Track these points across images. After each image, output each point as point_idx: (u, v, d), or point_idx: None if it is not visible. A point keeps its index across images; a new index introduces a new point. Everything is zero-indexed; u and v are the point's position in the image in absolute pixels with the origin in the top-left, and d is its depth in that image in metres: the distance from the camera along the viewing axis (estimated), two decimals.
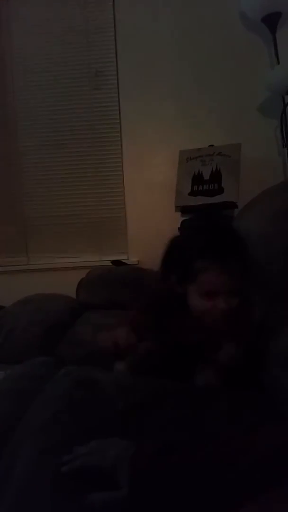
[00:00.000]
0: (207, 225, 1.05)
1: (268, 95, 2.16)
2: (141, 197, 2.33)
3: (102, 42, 2.40)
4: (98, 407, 0.77)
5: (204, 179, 2.04)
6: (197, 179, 2.06)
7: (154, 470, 0.57)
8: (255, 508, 0.43)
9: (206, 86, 2.26)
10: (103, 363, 1.02)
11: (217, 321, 0.94)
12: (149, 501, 0.56)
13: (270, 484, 0.51)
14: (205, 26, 2.24)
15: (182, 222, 1.77)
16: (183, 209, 2.12)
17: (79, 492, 0.58)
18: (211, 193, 1.99)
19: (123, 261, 2.31)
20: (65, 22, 2.41)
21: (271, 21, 2.06)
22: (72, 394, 0.83)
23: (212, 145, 2.11)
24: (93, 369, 0.96)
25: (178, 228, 1.57)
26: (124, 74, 2.34)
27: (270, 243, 1.12)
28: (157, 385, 0.89)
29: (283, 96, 2.11)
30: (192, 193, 2.08)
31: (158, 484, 0.56)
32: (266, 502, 0.44)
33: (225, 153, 2.04)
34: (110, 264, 2.28)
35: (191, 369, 1.00)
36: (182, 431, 0.70)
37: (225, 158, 2.04)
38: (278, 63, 2.09)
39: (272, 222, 1.18)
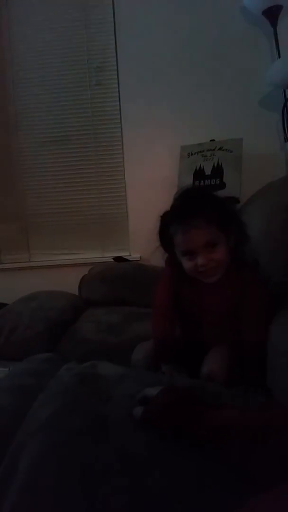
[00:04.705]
0: (179, 195, 1.13)
1: (269, 89, 2.15)
2: (143, 193, 2.32)
3: (102, 37, 2.38)
4: (101, 403, 0.77)
5: (205, 174, 2.03)
6: (199, 174, 2.05)
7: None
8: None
9: (207, 80, 2.25)
10: (106, 359, 1.02)
11: (208, 274, 1.05)
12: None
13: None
14: (205, 20, 2.22)
15: None
16: None
17: (82, 486, 0.58)
18: (213, 188, 1.98)
19: (125, 257, 2.31)
20: (65, 17, 2.40)
21: (272, 14, 2.04)
22: (75, 390, 0.83)
23: (214, 140, 2.10)
24: (96, 364, 0.96)
25: None
26: (125, 69, 2.33)
27: (274, 236, 1.12)
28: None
29: (284, 90, 2.10)
30: None
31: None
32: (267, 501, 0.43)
33: (227, 148, 2.03)
34: (112, 260, 2.27)
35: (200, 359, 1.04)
36: None
37: (227, 153, 2.03)
38: (279, 56, 2.08)
39: (274, 217, 1.17)
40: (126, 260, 2.29)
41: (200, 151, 2.10)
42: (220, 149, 2.05)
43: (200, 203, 1.06)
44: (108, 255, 2.39)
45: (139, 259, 2.36)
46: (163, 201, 1.14)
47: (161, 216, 1.11)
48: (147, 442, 0.65)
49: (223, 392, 0.85)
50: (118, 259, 2.27)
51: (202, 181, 2.03)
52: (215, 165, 2.02)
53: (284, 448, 0.52)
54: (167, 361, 1.09)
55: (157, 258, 1.24)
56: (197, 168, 2.06)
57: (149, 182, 2.32)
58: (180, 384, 0.90)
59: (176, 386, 0.82)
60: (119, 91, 2.36)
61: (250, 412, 0.62)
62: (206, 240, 1.01)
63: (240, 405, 0.74)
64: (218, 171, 2.01)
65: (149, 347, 1.17)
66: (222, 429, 0.59)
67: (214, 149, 2.06)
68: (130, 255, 2.39)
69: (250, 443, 0.55)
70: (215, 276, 1.06)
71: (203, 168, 2.05)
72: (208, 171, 2.03)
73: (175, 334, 1.17)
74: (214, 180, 2.00)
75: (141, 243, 2.33)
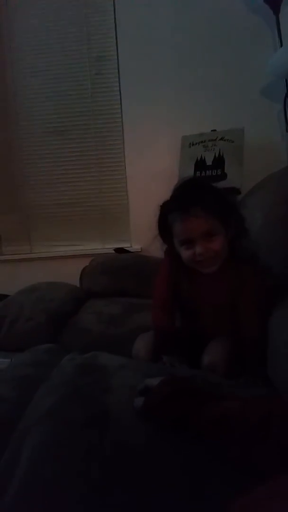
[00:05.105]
0: (179, 186, 1.13)
1: (271, 78, 2.12)
2: (144, 184, 2.31)
3: (102, 27, 2.36)
4: (102, 393, 0.78)
5: (206, 164, 2.02)
6: (200, 165, 2.04)
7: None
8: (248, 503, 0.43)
9: (208, 70, 2.23)
10: (107, 350, 1.03)
11: (206, 264, 1.04)
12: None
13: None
14: (206, 9, 2.19)
15: None
16: None
17: (83, 477, 0.59)
18: (214, 179, 1.97)
19: (126, 248, 2.31)
20: (65, 7, 2.37)
21: (274, 2, 2.01)
22: (77, 380, 0.84)
23: (215, 130, 2.08)
24: (97, 355, 0.97)
25: None
26: (125, 59, 2.30)
27: (274, 228, 1.12)
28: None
29: (286, 79, 2.07)
30: None
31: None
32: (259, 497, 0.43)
33: (228, 138, 2.01)
34: (113, 252, 2.27)
35: (201, 350, 1.05)
36: None
37: (228, 143, 2.01)
38: (281, 45, 2.05)
39: (276, 208, 1.17)
40: (127, 251, 2.28)
41: (201, 141, 2.08)
42: (221, 139, 2.03)
43: (199, 192, 1.06)
44: (109, 247, 2.39)
45: (140, 250, 2.36)
46: (164, 192, 1.13)
47: (161, 206, 1.11)
48: (147, 433, 0.66)
49: (224, 383, 0.86)
50: (119, 250, 2.27)
51: (203, 172, 2.02)
52: (216, 155, 2.01)
53: (284, 439, 0.53)
54: (167, 352, 1.10)
55: (157, 250, 1.24)
56: (198, 158, 2.05)
57: (150, 173, 2.30)
58: (181, 374, 0.91)
59: (176, 377, 0.82)
60: (119, 81, 2.34)
61: (250, 403, 0.63)
62: (204, 229, 1.01)
63: (240, 396, 0.74)
64: (219, 161, 1.99)
65: (150, 338, 1.17)
66: (222, 420, 0.59)
67: (215, 139, 2.04)
68: (131, 246, 2.39)
69: (250, 434, 0.55)
70: (213, 267, 1.06)
71: (204, 159, 2.03)
72: (209, 162, 2.02)
73: (174, 325, 1.18)
74: (215, 171, 1.99)
75: (142, 234, 2.32)
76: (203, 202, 1.01)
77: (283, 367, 0.85)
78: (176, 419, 0.64)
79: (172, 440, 0.64)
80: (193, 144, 2.10)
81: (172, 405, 0.66)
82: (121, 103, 2.35)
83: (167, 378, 0.73)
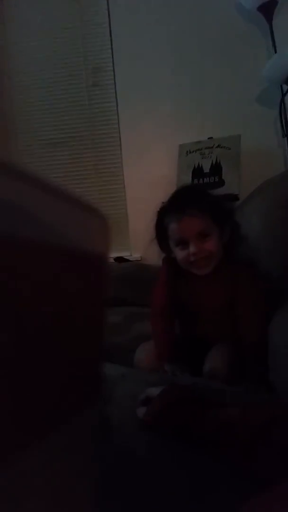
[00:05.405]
0: (175, 191, 1.17)
1: (266, 85, 2.14)
2: (142, 192, 2.31)
3: (97, 38, 2.38)
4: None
5: (204, 172, 2.03)
6: (197, 172, 2.05)
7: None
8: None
9: (204, 78, 2.25)
10: (108, 359, 1.02)
11: (200, 265, 1.05)
12: None
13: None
14: (201, 18, 2.22)
15: None
16: None
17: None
18: (212, 186, 1.97)
19: (125, 257, 2.31)
20: (60, 19, 2.40)
21: (267, 9, 2.04)
22: None
23: (212, 138, 2.09)
24: None
25: None
26: (121, 70, 2.33)
27: (273, 232, 1.12)
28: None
29: (281, 85, 2.09)
30: None
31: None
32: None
33: (225, 145, 2.02)
34: (113, 261, 2.27)
35: (202, 357, 1.04)
36: None
37: (225, 150, 2.02)
38: (275, 52, 2.07)
39: (274, 212, 1.17)
40: (127, 260, 2.28)
41: (198, 149, 2.09)
42: (218, 146, 2.04)
43: (194, 194, 1.11)
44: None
45: (139, 259, 2.35)
46: (162, 200, 1.14)
47: (158, 211, 1.12)
48: (148, 443, 0.65)
49: (225, 390, 0.85)
50: (119, 259, 2.27)
51: (201, 179, 2.03)
52: (214, 162, 2.02)
53: (286, 446, 0.52)
54: (169, 360, 1.09)
55: (156, 257, 1.24)
56: (196, 166, 2.06)
57: (148, 181, 2.31)
58: (182, 383, 0.90)
59: (178, 385, 0.82)
60: (115, 91, 2.35)
61: (252, 410, 0.62)
62: (199, 229, 1.03)
63: (242, 403, 0.74)
64: (216, 168, 2.00)
65: (152, 347, 1.17)
66: (224, 428, 0.58)
67: (212, 147, 2.05)
68: (131, 255, 2.38)
69: (252, 439, 0.55)
70: (207, 268, 1.06)
71: (202, 166, 2.04)
72: (206, 169, 2.03)
73: (174, 333, 1.17)
74: (213, 178, 2.00)
75: (141, 243, 2.31)
76: (197, 203, 1.04)
77: (284, 373, 0.84)
78: (177, 428, 0.63)
79: (174, 449, 0.63)
80: (190, 152, 2.11)
81: (173, 414, 0.65)
82: (118, 113, 2.36)
83: (168, 387, 0.73)
